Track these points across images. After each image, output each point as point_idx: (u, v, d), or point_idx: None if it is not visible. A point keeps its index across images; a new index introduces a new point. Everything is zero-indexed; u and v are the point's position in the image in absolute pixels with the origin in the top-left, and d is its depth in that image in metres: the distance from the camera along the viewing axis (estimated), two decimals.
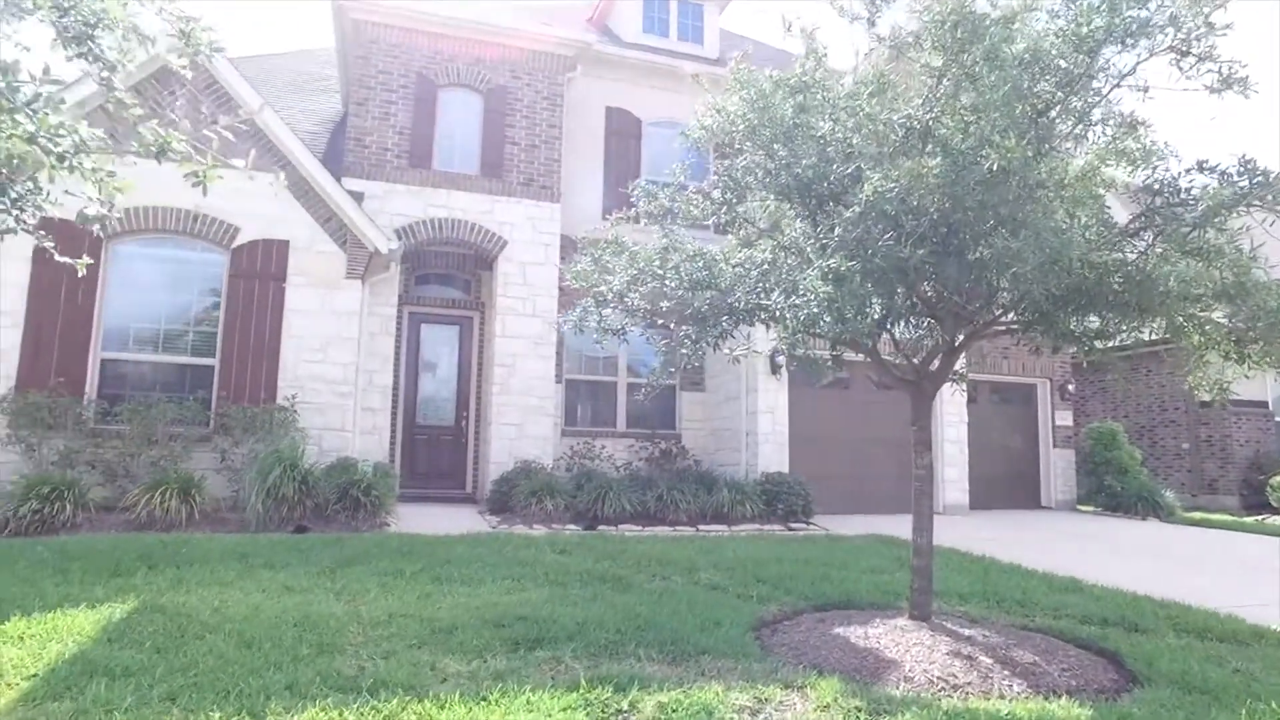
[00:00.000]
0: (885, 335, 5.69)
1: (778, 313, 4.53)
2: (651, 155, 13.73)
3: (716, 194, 5.73)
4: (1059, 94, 4.38)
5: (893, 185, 4.10)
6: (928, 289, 5.07)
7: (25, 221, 4.79)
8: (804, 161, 5.03)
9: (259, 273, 10.29)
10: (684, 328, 5.71)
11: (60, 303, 9.64)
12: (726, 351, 5.14)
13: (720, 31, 15.27)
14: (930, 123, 4.44)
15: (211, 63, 10.28)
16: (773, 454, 11.98)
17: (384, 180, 11.55)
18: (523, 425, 11.75)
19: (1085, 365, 15.09)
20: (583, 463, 12.30)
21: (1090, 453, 14.58)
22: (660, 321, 6.01)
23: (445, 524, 9.64)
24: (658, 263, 5.58)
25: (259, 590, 5.77)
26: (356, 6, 11.46)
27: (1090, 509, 14.40)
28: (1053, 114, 4.60)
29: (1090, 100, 4.48)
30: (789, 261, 4.76)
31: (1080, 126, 4.61)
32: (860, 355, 5.66)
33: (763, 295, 4.79)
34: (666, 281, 5.67)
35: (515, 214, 12.01)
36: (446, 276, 13.03)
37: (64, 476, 8.24)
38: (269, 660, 4.33)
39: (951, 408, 13.04)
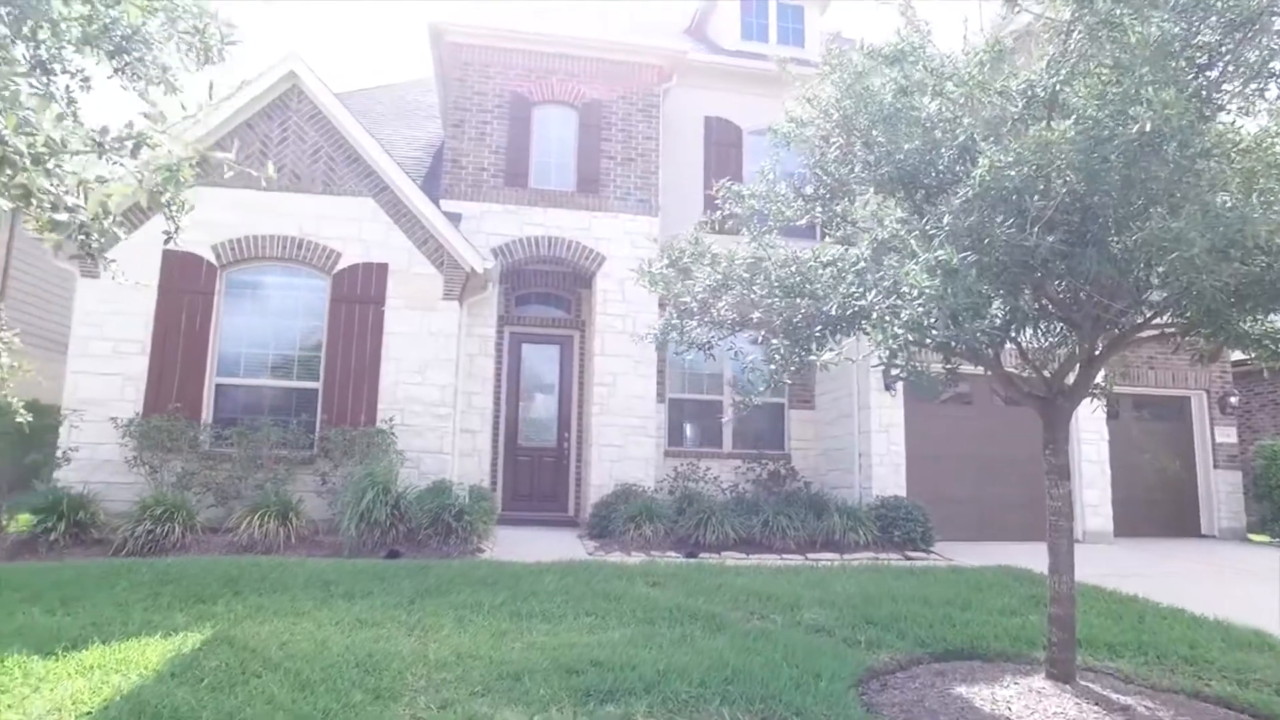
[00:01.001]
0: (1009, 343, 4.88)
1: (876, 317, 3.83)
2: (754, 164, 13.07)
3: (809, 189, 5.07)
4: (1227, 42, 3.51)
5: (1013, 160, 3.36)
6: (1059, 287, 4.24)
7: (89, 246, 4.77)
8: (906, 147, 4.33)
9: (359, 296, 10.29)
10: (774, 340, 5.08)
11: (181, 331, 9.90)
12: (825, 361, 4.45)
13: (823, 34, 14.48)
14: (1057, 88, 3.66)
15: (304, 86, 10.44)
16: (888, 476, 11.04)
17: (480, 200, 11.42)
18: (623, 446, 11.29)
19: (1266, 374, 13.32)
20: (686, 485, 11.71)
21: (1263, 474, 12.76)
22: (751, 333, 5.42)
23: (541, 549, 9.26)
24: (744, 268, 4.98)
25: (332, 623, 5.47)
26: (452, 29, 11.42)
27: (1265, 539, 12.60)
28: (1216, 71, 3.74)
29: (1271, 48, 3.57)
30: (890, 260, 4.05)
31: (1256, 84, 3.70)
32: (980, 367, 4.86)
33: (859, 298, 4.10)
34: (754, 288, 5.06)
35: (612, 229, 11.62)
36: (547, 295, 12.78)
37: (176, 498, 8.35)
38: (318, 707, 3.97)
39: (1089, 424, 11.68)
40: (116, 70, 4.17)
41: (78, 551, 7.86)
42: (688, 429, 12.74)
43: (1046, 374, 4.81)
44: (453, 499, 8.67)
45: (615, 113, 11.89)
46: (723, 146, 13.05)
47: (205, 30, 4.91)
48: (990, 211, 3.63)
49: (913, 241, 3.79)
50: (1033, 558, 9.14)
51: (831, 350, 4.76)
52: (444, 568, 7.33)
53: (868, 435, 11.15)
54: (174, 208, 4.91)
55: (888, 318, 3.83)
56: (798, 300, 4.85)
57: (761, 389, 4.80)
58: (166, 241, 4.54)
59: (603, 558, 8.81)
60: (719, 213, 5.76)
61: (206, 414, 9.86)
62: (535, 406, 12.70)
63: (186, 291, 10.00)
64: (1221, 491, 12.85)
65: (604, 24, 12.43)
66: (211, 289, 10.08)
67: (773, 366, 4.60)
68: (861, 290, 4.12)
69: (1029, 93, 3.69)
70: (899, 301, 3.76)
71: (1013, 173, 3.42)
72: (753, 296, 5.05)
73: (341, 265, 10.32)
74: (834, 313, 4.50)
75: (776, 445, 12.72)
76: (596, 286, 11.62)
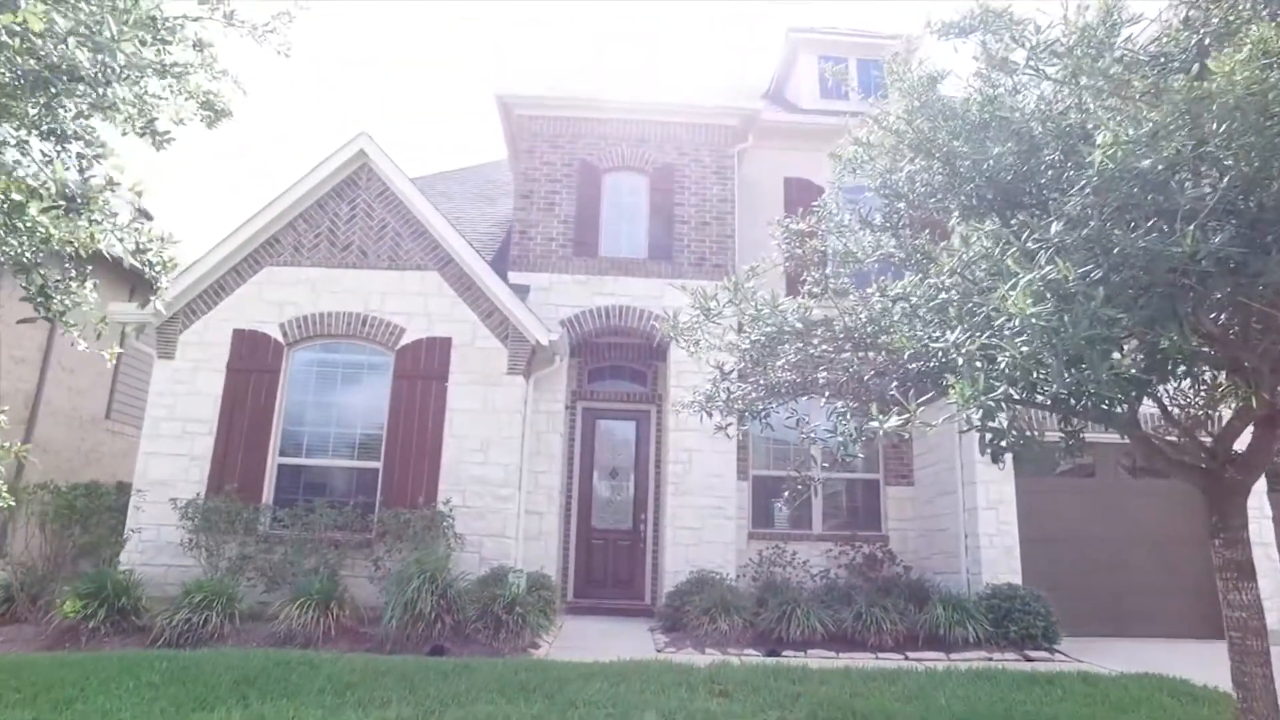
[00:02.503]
0: (1146, 398, 3.71)
1: (964, 364, 2.80)
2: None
3: (878, 219, 4.13)
4: None
5: (1148, 134, 2.35)
6: (1218, 318, 3.11)
7: (49, 309, 4.32)
8: (996, 151, 3.35)
9: (422, 372, 9.78)
10: (840, 403, 4.06)
11: (246, 410, 9.62)
12: (890, 428, 3.40)
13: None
14: (1206, 44, 2.64)
15: (373, 165, 10.26)
16: (999, 560, 9.50)
17: (549, 271, 10.88)
18: (700, 529, 10.20)
19: None
20: (771, 571, 10.47)
21: None
22: (815, 395, 4.43)
23: (604, 646, 8.23)
24: (797, 316, 4.03)
25: None
26: (519, 102, 11.16)
27: None
28: None
29: None
30: (980, 283, 3.02)
31: None
32: (1109, 430, 3.70)
33: (939, 339, 3.07)
34: (814, 341, 4.09)
35: (686, 297, 10.80)
36: (621, 369, 12.01)
37: (217, 585, 7.80)
38: None
39: (1252, 499, 9.82)
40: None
41: (117, 640, 7.36)
42: (772, 509, 11.53)
43: (1205, 438, 3.59)
44: (505, 589, 7.80)
45: (688, 176, 11.26)
46: (802, 208, 12.15)
47: (208, 101, 4.56)
48: (1117, 213, 2.60)
49: (1009, 261, 2.78)
50: (1186, 661, 7.54)
51: (901, 416, 3.71)
52: (486, 669, 6.41)
53: (973, 513, 9.69)
54: (157, 267, 4.46)
55: (979, 364, 2.80)
56: (869, 354, 3.85)
57: (826, 466, 3.78)
58: (151, 300, 4.03)
59: (670, 656, 7.69)
60: (774, 258, 4.87)
61: (267, 495, 9.43)
62: (610, 486, 11.81)
63: (254, 370, 9.75)
64: None
65: (674, 89, 11.96)
66: (278, 367, 9.79)
67: (840, 438, 3.58)
68: (943, 330, 3.10)
69: (1162, 52, 2.68)
70: (995, 340, 2.73)
71: (1148, 153, 2.39)
72: (813, 351, 4.08)
73: (405, 340, 9.88)
74: (911, 364, 3.48)
75: (872, 525, 11.34)
76: (671, 358, 10.77)
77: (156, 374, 9.81)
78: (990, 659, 8.14)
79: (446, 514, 9.02)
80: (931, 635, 8.48)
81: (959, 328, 2.84)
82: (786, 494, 5.65)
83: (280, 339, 9.86)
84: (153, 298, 4.22)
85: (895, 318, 3.48)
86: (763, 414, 4.45)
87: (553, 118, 11.33)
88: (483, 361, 9.82)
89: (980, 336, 2.70)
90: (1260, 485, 9.87)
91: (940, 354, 2.99)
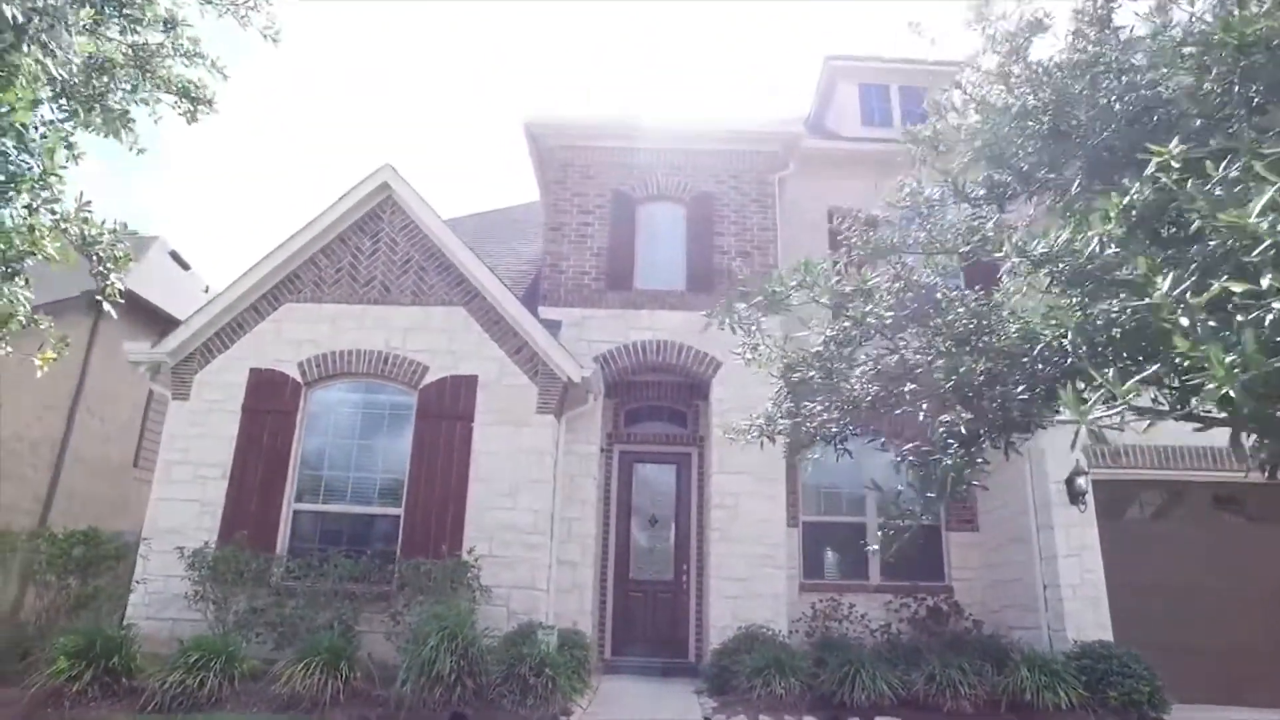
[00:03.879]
0: None
1: (1189, 322, 1.89)
2: None
3: (980, 191, 3.30)
4: None
5: None
6: None
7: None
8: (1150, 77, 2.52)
9: (446, 412, 9.04)
10: (942, 421, 3.18)
11: (262, 453, 8.95)
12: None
13: None
14: None
15: (397, 197, 9.71)
16: (1085, 614, 8.35)
17: (582, 306, 10.16)
18: (748, 580, 9.19)
19: None
20: (826, 625, 9.42)
21: None
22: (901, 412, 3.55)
23: (647, 712, 7.25)
24: (886, 306, 3.19)
25: None
26: (547, 131, 10.62)
27: None
28: None
29: None
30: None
31: None
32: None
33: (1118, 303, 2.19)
34: (904, 340, 3.24)
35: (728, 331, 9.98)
36: (660, 409, 11.16)
37: (217, 642, 6.98)
38: None
39: None
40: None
41: (105, 705, 6.55)
42: (827, 558, 10.49)
43: None
44: (534, 648, 6.87)
45: (727, 205, 10.55)
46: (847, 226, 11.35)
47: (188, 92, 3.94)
48: None
49: (1260, 168, 1.90)
50: None
51: (1023, 438, 2.80)
52: None
53: (1052, 561, 8.57)
54: (108, 263, 3.78)
55: (1215, 324, 1.88)
56: (973, 358, 2.98)
57: (919, 505, 2.91)
58: (102, 300, 3.32)
59: None
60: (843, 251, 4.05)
61: (281, 543, 8.67)
62: (648, 535, 10.85)
63: (270, 411, 9.10)
64: None
65: (709, 117, 11.35)
66: (295, 407, 9.12)
67: (948, 462, 2.68)
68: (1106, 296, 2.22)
69: None
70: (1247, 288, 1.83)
71: None
72: (904, 353, 3.22)
73: (429, 379, 9.17)
74: (1046, 359, 2.59)
75: (934, 575, 10.21)
76: (713, 394, 9.92)
77: (171, 416, 9.20)
78: None
79: (471, 564, 8.17)
80: (1016, 701, 7.35)
81: (1170, 273, 1.96)
82: (882, 538, 4.62)
83: (299, 378, 9.21)
84: (102, 300, 3.52)
85: (1033, 290, 2.62)
86: (839, 438, 3.58)
87: (584, 146, 10.75)
88: (511, 400, 9.06)
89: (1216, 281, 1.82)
90: None
91: (1124, 322, 2.12)
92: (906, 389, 3.30)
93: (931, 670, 7.49)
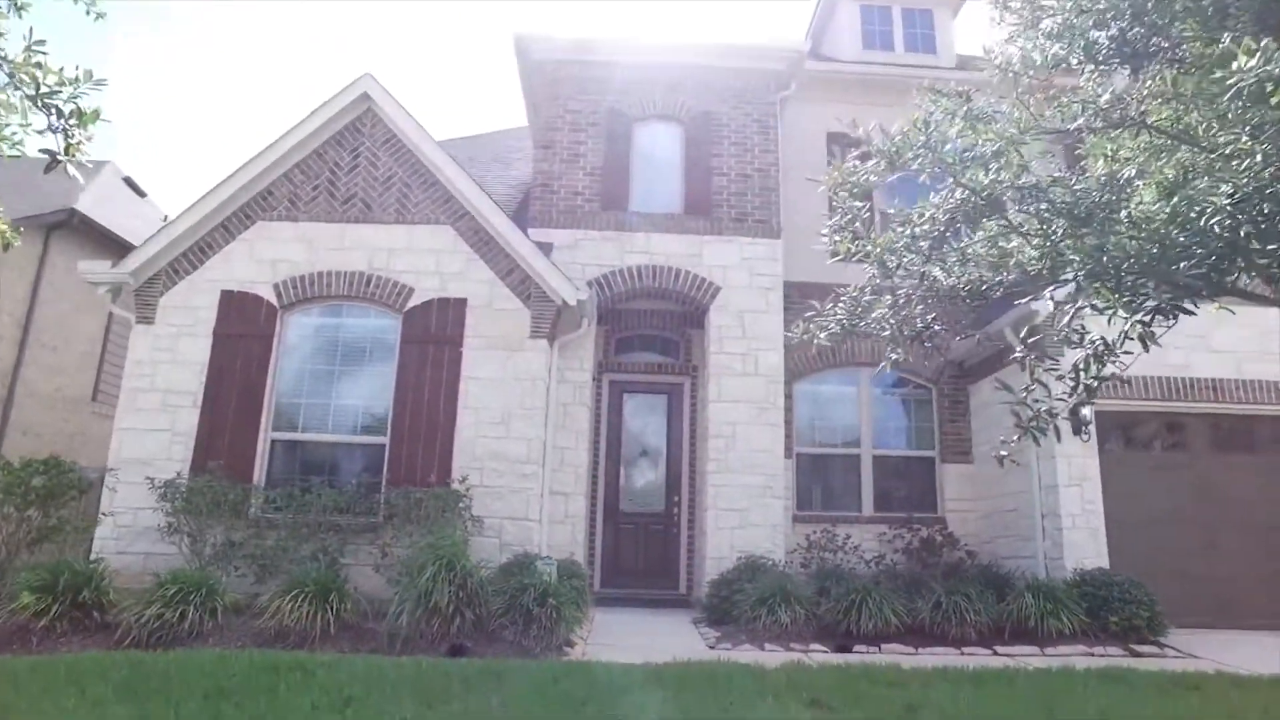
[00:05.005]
0: None
1: None
2: (884, 188, 10.82)
3: (1106, 35, 2.79)
4: None
5: None
6: None
7: None
8: None
9: (433, 336, 8.46)
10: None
11: (236, 381, 8.31)
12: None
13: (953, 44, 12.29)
14: None
15: (377, 109, 8.94)
16: (1084, 543, 8.18)
17: (574, 228, 9.56)
18: (746, 511, 8.88)
19: None
20: (822, 556, 9.18)
21: None
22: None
23: (647, 643, 6.92)
24: (1014, 170, 2.70)
25: None
26: (539, 44, 9.82)
27: None
28: None
29: None
30: None
31: None
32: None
33: None
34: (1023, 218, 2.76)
35: (728, 255, 9.50)
36: (651, 339, 10.68)
37: (197, 575, 6.45)
38: None
39: None
40: None
41: (76, 641, 6.01)
42: (819, 490, 10.23)
43: None
44: (536, 578, 6.47)
45: (728, 124, 9.93)
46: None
47: None
48: None
49: None
50: None
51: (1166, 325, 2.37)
52: (518, 675, 5.08)
53: (1054, 491, 8.36)
54: (71, 119, 3.14)
55: None
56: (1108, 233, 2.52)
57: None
58: (55, 165, 2.70)
59: (728, 654, 6.38)
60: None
61: (258, 474, 8.11)
62: (639, 466, 10.47)
63: (244, 336, 8.43)
64: None
65: (709, 33, 10.63)
66: (271, 332, 8.46)
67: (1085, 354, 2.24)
68: None
69: None
70: None
71: None
72: (1024, 232, 2.75)
73: (414, 302, 8.56)
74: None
75: (928, 507, 10.02)
76: (710, 322, 9.45)
77: (135, 341, 8.49)
78: (1091, 653, 6.87)
79: (463, 493, 7.71)
80: (1020, 627, 7.18)
81: None
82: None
83: (274, 301, 8.54)
84: (63, 160, 2.89)
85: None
86: (925, 335, 3.13)
87: (577, 61, 9.99)
88: (502, 325, 8.50)
89: None
90: None
91: None
92: (1034, 269, 2.84)
93: (938, 598, 7.27)
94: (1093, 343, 2.58)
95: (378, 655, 5.69)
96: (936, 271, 3.00)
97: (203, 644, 5.96)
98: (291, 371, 8.49)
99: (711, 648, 6.87)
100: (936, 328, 3.23)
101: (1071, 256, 2.45)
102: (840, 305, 3.54)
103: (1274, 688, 5.49)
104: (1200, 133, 2.56)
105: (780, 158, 10.14)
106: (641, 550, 10.01)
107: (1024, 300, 3.16)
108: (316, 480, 7.92)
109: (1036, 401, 2.91)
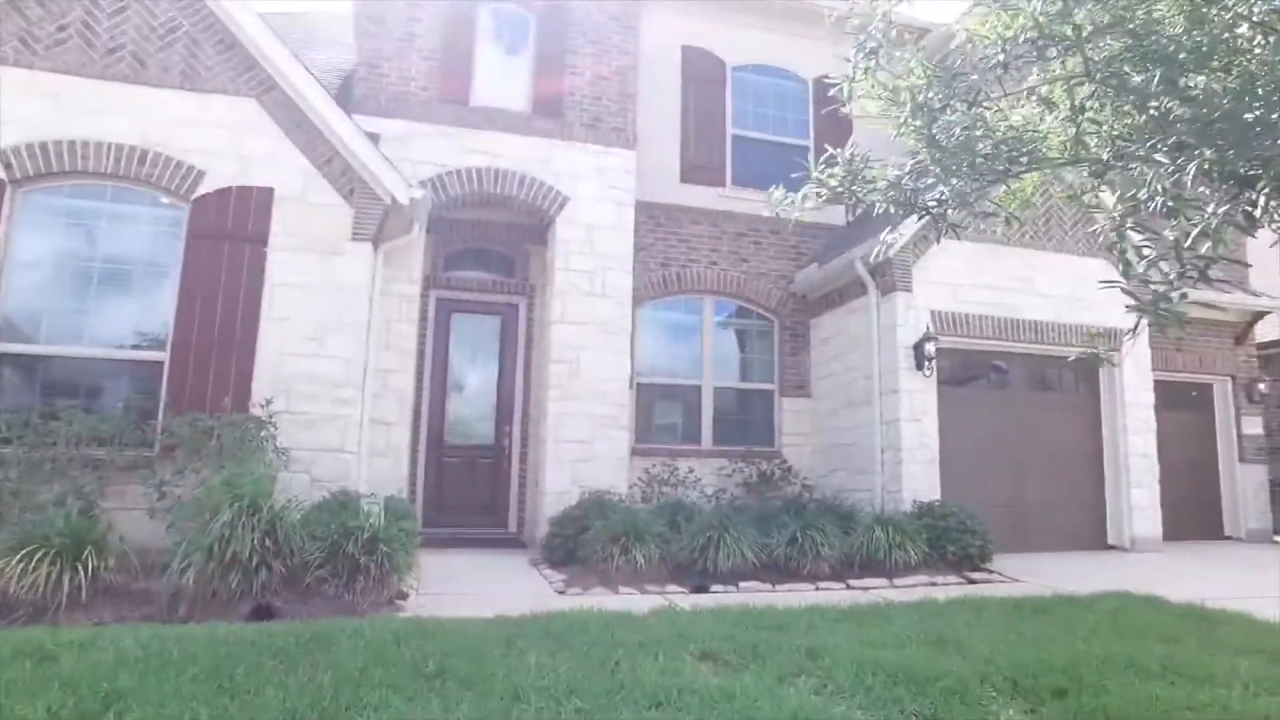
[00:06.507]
0: None
1: None
2: (740, 105, 10.29)
3: None
4: None
5: None
6: None
7: None
8: None
9: (230, 232, 6.83)
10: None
11: None
12: None
13: None
14: None
15: None
16: (921, 475, 8.33)
17: (405, 118, 8.15)
18: (590, 442, 8.19)
19: None
20: (662, 490, 8.75)
21: None
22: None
23: (488, 590, 6.13)
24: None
25: None
26: None
27: None
28: None
29: None
30: None
31: None
32: None
33: None
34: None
35: (580, 163, 8.52)
36: (484, 253, 9.54)
37: None
38: None
39: (1138, 412, 9.36)
40: None
41: None
42: (658, 422, 9.76)
43: None
44: (361, 520, 5.38)
45: (586, 18, 8.82)
46: (703, 83, 10.15)
47: None
48: None
49: None
50: (1113, 575, 7.17)
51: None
52: (350, 638, 4.06)
53: (895, 425, 8.41)
54: None
55: None
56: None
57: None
58: None
59: (582, 600, 5.71)
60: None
61: None
62: (468, 394, 9.44)
63: None
64: (1248, 489, 10.79)
65: None
66: None
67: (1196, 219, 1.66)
68: None
69: None
70: None
71: None
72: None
73: (206, 188, 6.84)
74: None
75: (766, 441, 9.89)
76: (557, 236, 8.48)
77: None
78: (934, 583, 6.99)
79: (266, 421, 6.33)
80: (869, 560, 7.14)
81: None
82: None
83: (1, 174, 6.47)
84: None
85: None
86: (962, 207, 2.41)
87: None
88: (318, 222, 7.03)
89: None
90: (1150, 398, 9.47)
91: None
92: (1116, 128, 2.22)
93: (793, 533, 7.02)
94: (1205, 218, 2.04)
95: (155, 624, 4.41)
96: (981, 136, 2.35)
97: None
98: (29, 266, 6.53)
99: (561, 593, 6.19)
100: (947, 193, 2.60)
101: (1180, 111, 1.90)
102: (837, 167, 2.81)
103: (1091, 605, 5.73)
104: None
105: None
106: (469, 486, 9.08)
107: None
108: (66, 404, 6.16)
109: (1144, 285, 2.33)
